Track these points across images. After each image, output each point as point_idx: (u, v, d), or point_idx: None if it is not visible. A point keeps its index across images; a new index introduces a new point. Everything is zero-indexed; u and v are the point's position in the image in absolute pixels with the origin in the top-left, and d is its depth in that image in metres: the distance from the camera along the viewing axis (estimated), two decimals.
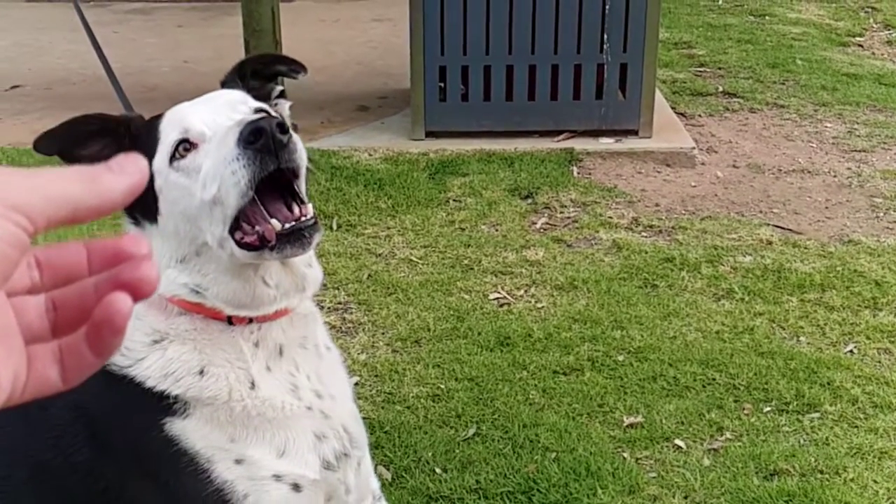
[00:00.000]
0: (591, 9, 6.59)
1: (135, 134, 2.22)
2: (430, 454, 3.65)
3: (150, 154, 2.15)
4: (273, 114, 2.17)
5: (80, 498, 2.20)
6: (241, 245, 2.08)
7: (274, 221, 2.07)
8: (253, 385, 2.19)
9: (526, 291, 4.89)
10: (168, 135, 2.15)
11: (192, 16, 11.31)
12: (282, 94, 2.44)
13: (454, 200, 5.95)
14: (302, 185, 2.18)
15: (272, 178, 2.10)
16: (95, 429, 2.19)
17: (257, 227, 2.07)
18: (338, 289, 4.86)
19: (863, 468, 3.62)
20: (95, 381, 2.21)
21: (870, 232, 5.61)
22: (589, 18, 6.62)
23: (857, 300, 4.79)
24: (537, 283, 4.97)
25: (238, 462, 2.16)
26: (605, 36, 6.64)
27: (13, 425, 2.28)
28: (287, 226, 2.07)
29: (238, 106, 2.19)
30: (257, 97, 2.29)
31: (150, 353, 2.16)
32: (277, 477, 2.18)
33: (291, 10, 10.37)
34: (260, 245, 2.07)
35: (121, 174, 0.88)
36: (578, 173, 6.37)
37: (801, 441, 3.79)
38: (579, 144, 6.69)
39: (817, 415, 3.94)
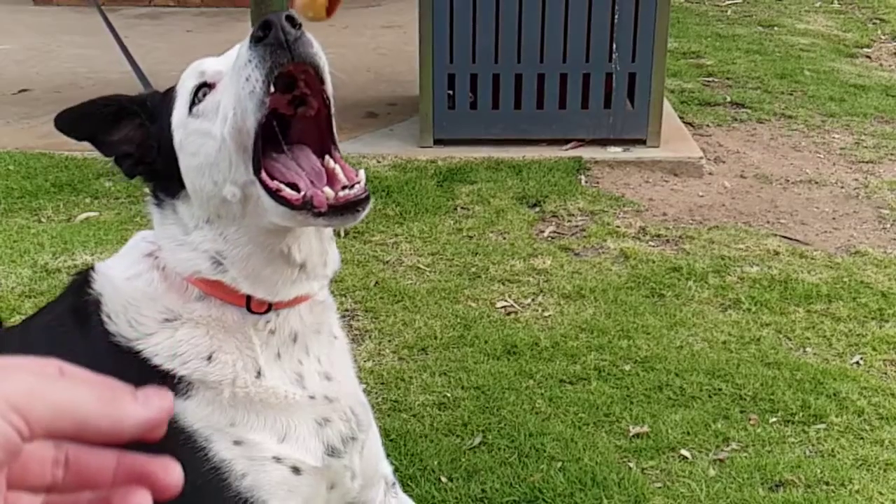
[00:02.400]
0: (600, 18, 6.60)
1: (152, 108, 2.20)
2: (435, 463, 3.65)
3: (168, 115, 2.13)
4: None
5: None
6: (276, 196, 2.00)
7: (327, 189, 1.98)
8: (259, 374, 2.17)
9: (533, 300, 4.89)
10: (185, 86, 2.12)
11: (201, 21, 11.34)
12: None
13: (462, 208, 5.95)
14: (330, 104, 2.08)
15: (304, 129, 2.05)
16: None
17: (306, 192, 1.98)
18: (345, 296, 4.86)
19: (868, 480, 3.62)
20: (96, 353, 2.18)
21: (876, 243, 5.61)
22: (598, 28, 6.63)
23: (863, 311, 4.79)
24: (544, 291, 4.97)
25: (237, 443, 2.13)
26: (614, 45, 6.65)
27: None
28: (341, 194, 1.98)
29: None
30: None
31: (160, 330, 2.13)
32: (277, 459, 2.16)
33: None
34: (302, 206, 1.98)
35: (144, 405, 0.82)
36: (586, 182, 6.37)
37: (807, 452, 3.79)
38: (587, 153, 6.70)
39: (823, 426, 3.93)
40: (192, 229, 2.13)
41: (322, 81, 2.01)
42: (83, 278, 2.27)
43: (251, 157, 1.99)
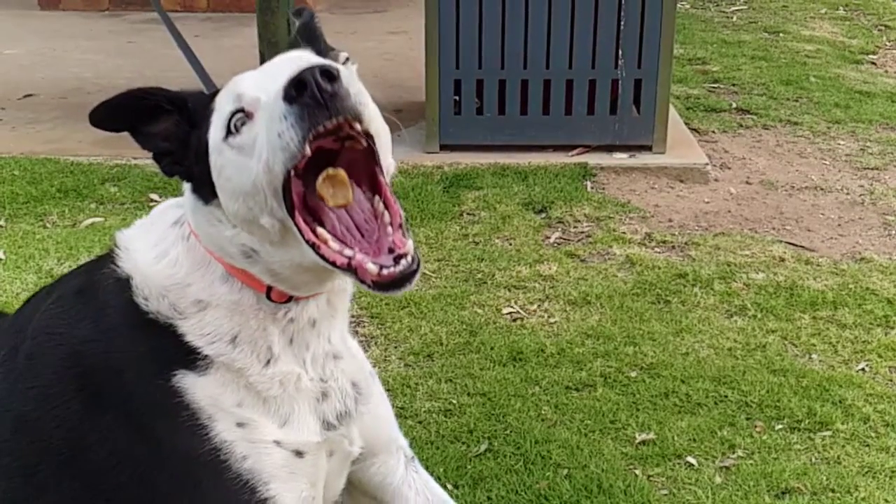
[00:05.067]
0: (606, 25, 6.60)
1: (193, 111, 2.16)
2: (441, 470, 3.65)
3: (205, 129, 2.09)
4: (331, 64, 1.93)
5: (62, 453, 2.15)
6: (317, 251, 1.97)
7: (370, 266, 1.93)
8: (269, 361, 2.19)
9: (539, 306, 4.89)
10: (223, 107, 2.06)
11: (207, 26, 11.34)
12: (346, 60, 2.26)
13: (468, 214, 5.96)
14: (385, 154, 2.09)
15: (352, 159, 2.02)
16: (90, 380, 2.15)
17: (351, 259, 1.95)
18: (351, 302, 4.85)
19: (874, 487, 3.61)
20: (123, 327, 2.19)
21: (882, 250, 5.61)
22: (604, 34, 6.63)
23: (869, 318, 4.78)
24: (550, 297, 4.97)
25: (240, 425, 2.14)
26: (620, 52, 6.65)
27: None
28: (385, 272, 1.93)
29: (298, 63, 1.99)
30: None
31: (194, 314, 2.15)
32: (278, 443, 2.18)
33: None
34: (347, 269, 1.95)
35: None
36: (592, 188, 6.37)
37: (813, 459, 3.78)
38: (593, 159, 6.70)
39: (829, 433, 3.93)
40: (230, 227, 2.11)
41: (361, 121, 1.96)
42: (104, 256, 2.28)
43: (282, 197, 1.95)
